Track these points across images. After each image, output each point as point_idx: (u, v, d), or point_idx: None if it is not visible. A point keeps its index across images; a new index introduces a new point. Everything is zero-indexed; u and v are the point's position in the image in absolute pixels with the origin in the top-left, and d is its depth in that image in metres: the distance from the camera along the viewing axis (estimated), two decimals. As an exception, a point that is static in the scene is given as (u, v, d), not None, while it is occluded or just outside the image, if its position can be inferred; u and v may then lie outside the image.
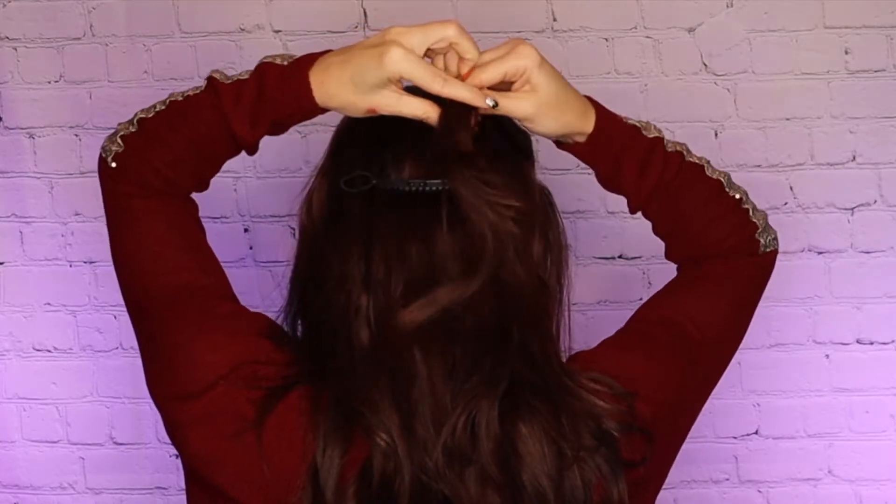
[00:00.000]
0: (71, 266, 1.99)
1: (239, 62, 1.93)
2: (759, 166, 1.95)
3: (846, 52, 1.92)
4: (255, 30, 1.94)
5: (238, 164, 1.90)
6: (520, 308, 0.91)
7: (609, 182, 1.06)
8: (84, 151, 1.96)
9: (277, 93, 0.93)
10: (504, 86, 0.95)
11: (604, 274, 1.96)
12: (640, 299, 1.99)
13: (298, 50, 1.91)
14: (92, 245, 1.95)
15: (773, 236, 1.10)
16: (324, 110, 0.94)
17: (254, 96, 0.94)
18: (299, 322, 0.98)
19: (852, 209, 1.96)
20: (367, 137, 0.96)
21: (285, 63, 0.94)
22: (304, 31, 1.94)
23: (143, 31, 1.94)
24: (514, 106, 0.94)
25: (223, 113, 0.95)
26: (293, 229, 0.99)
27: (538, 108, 0.95)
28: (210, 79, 0.96)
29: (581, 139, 1.00)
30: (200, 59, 1.94)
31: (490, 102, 0.92)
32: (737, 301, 1.08)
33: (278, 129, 0.98)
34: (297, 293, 0.98)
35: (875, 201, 1.96)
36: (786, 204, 1.96)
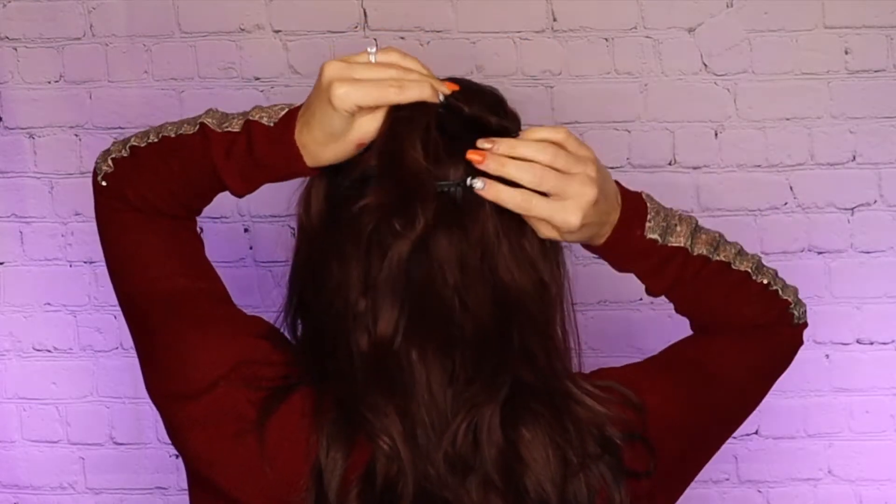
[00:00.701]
0: (71, 266, 2.00)
1: (239, 62, 1.93)
2: (759, 166, 1.95)
3: (846, 52, 1.92)
4: (255, 30, 1.94)
5: (238, 164, 1.90)
6: (520, 311, 0.91)
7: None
8: (84, 151, 1.97)
9: (269, 158, 0.92)
10: None
11: (604, 274, 1.95)
12: (640, 299, 2.00)
13: (299, 50, 1.93)
14: (92, 245, 1.95)
15: (803, 309, 1.09)
16: (319, 168, 0.92)
17: (244, 156, 0.93)
18: (299, 321, 0.98)
19: (852, 209, 1.96)
20: None
21: (271, 125, 0.91)
22: (304, 31, 1.94)
23: (143, 31, 1.94)
24: (534, 227, 0.91)
25: (213, 163, 0.94)
26: (293, 229, 0.98)
27: (557, 232, 0.90)
28: (202, 125, 0.95)
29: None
30: (200, 59, 1.94)
31: (441, 99, 0.87)
32: (763, 362, 1.08)
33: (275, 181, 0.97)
34: (295, 292, 0.97)
35: (875, 201, 1.96)
36: (786, 204, 1.96)
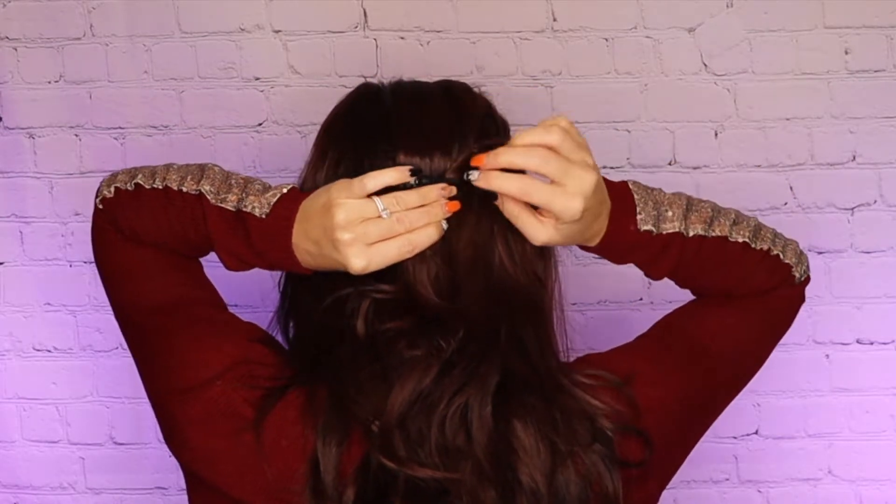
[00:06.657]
0: (71, 266, 2.00)
1: (239, 62, 1.93)
2: (759, 166, 1.95)
3: (846, 52, 1.93)
4: (255, 30, 1.94)
5: (238, 165, 1.90)
6: (513, 305, 0.93)
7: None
8: (84, 151, 1.97)
9: (267, 251, 0.93)
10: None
11: (604, 274, 1.96)
12: (640, 300, 2.00)
13: (299, 50, 1.93)
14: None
15: (805, 265, 1.08)
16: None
17: (243, 245, 0.94)
18: (291, 323, 1.00)
19: (852, 209, 1.96)
20: (355, 132, 0.96)
21: (264, 216, 0.92)
22: (304, 31, 1.94)
23: (143, 31, 1.94)
24: (529, 231, 0.90)
25: (209, 236, 0.95)
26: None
27: (548, 241, 0.91)
28: (200, 194, 0.95)
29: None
30: (200, 59, 1.94)
31: (444, 226, 0.90)
32: (763, 326, 1.07)
33: None
34: (290, 286, 1.00)
35: (875, 201, 1.96)
36: (786, 204, 1.96)
